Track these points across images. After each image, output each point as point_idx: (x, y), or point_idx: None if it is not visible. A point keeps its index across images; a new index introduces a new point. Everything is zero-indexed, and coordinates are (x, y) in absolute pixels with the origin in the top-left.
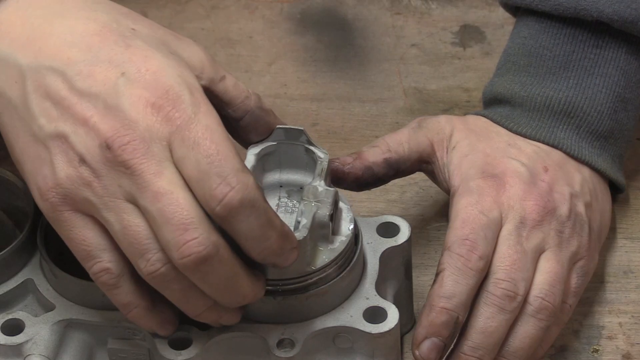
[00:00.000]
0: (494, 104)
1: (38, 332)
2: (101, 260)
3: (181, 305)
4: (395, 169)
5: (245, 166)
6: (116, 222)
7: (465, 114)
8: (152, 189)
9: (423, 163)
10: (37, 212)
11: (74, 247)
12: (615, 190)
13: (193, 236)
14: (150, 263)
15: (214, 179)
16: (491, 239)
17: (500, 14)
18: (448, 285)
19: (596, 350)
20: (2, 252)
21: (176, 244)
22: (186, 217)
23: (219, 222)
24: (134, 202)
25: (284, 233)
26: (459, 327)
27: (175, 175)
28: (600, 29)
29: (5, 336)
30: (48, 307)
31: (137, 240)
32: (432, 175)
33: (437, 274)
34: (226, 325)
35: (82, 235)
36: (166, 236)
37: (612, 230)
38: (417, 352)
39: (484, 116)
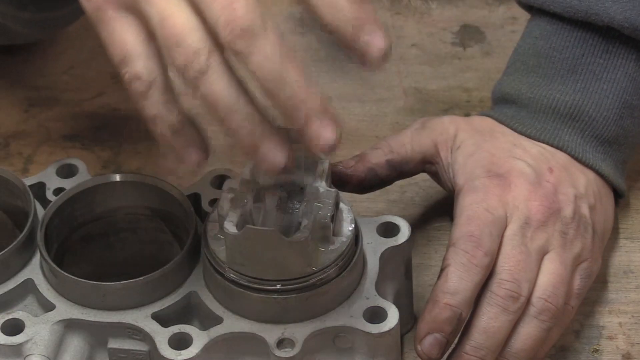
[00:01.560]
0: (501, 103)
1: (38, 332)
2: (135, 66)
3: (219, 105)
4: (398, 171)
5: None
6: (156, 13)
7: (465, 114)
8: None
9: (426, 164)
10: (37, 212)
11: (113, 50)
12: (616, 195)
13: (240, 11)
14: (188, 48)
15: None
16: (496, 236)
17: (501, 14)
18: (452, 281)
19: (596, 350)
20: (2, 252)
21: (222, 20)
22: None
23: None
24: None
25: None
26: (462, 324)
27: None
28: (611, 35)
29: (5, 336)
30: (48, 307)
31: (175, 28)
32: (436, 175)
33: (441, 270)
34: (269, 162)
35: (121, 38)
36: (212, 14)
37: (613, 230)
38: (419, 348)
39: (490, 116)
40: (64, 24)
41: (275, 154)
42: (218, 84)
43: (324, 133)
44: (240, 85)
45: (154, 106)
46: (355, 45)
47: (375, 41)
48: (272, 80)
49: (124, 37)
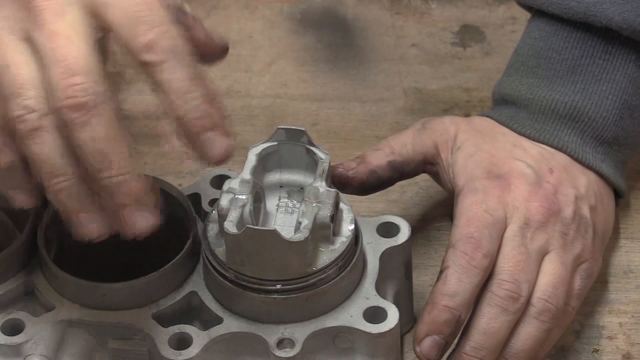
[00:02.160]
0: (501, 104)
1: (38, 332)
2: None
3: (43, 166)
4: (399, 172)
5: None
6: (1, 59)
7: (465, 114)
8: (50, 28)
9: (427, 164)
10: (37, 212)
11: None
12: (616, 196)
13: (79, 81)
14: (24, 103)
15: (141, 26)
16: (496, 238)
17: (501, 14)
18: (451, 283)
19: (596, 350)
20: (2, 252)
21: (60, 85)
22: (76, 63)
23: (144, 70)
24: (29, 40)
25: (212, 94)
26: (461, 325)
27: (81, 24)
28: (610, 36)
29: (5, 336)
30: (48, 307)
31: (17, 79)
32: (437, 176)
33: (441, 272)
34: (82, 231)
35: None
36: (53, 77)
37: (613, 230)
38: (418, 349)
39: (490, 117)
40: None
41: (88, 225)
42: (46, 146)
43: (137, 221)
44: (69, 150)
45: None
46: (196, 141)
47: (217, 142)
48: (96, 158)
49: None
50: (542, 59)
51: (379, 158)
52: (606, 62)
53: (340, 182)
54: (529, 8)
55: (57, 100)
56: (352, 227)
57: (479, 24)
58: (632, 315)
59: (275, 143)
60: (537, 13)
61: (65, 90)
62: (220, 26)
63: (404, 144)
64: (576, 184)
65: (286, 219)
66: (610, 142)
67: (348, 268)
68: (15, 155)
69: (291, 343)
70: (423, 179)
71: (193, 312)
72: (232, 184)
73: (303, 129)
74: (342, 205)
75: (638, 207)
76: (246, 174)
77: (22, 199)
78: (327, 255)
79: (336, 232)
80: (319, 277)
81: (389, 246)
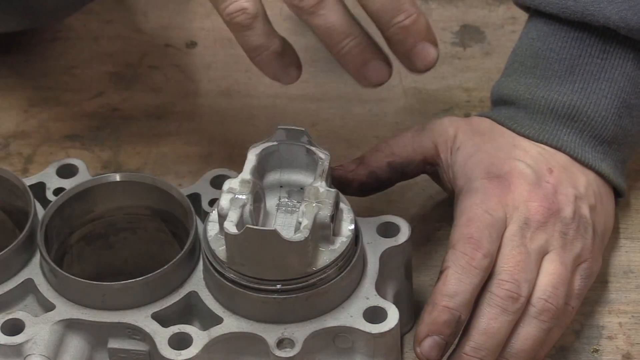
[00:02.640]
0: (499, 104)
1: (38, 332)
2: (241, 0)
3: (333, 32)
4: (399, 172)
5: None
6: None
7: (465, 114)
8: None
9: (427, 165)
10: (37, 212)
11: None
12: (616, 195)
13: None
14: None
15: None
16: (495, 238)
17: (501, 14)
18: (451, 284)
19: (596, 350)
20: (2, 252)
21: None
22: None
23: None
24: None
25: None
26: (461, 326)
27: None
28: (607, 35)
29: (5, 336)
30: (48, 307)
31: None
32: (437, 177)
33: (441, 272)
34: (377, 76)
35: None
36: None
37: (613, 230)
38: (418, 350)
39: (489, 117)
40: (55, 12)
41: (382, 68)
42: (331, 14)
43: (430, 52)
44: (350, 12)
45: (259, 36)
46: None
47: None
48: (386, 8)
49: None
50: (540, 59)
51: (378, 159)
52: (604, 61)
53: (340, 184)
54: (526, 8)
55: None
56: (352, 227)
57: (479, 24)
58: (632, 315)
59: (275, 143)
60: (535, 13)
61: None
62: (221, 26)
63: (404, 145)
64: (576, 183)
65: (286, 219)
66: (610, 141)
67: (348, 268)
68: (281, 38)
69: (291, 343)
70: (423, 179)
71: (193, 312)
72: (232, 184)
73: (303, 129)
74: (342, 205)
75: (638, 207)
76: (246, 174)
77: (295, 74)
78: (327, 255)
79: (336, 232)
80: (319, 277)
81: (389, 246)
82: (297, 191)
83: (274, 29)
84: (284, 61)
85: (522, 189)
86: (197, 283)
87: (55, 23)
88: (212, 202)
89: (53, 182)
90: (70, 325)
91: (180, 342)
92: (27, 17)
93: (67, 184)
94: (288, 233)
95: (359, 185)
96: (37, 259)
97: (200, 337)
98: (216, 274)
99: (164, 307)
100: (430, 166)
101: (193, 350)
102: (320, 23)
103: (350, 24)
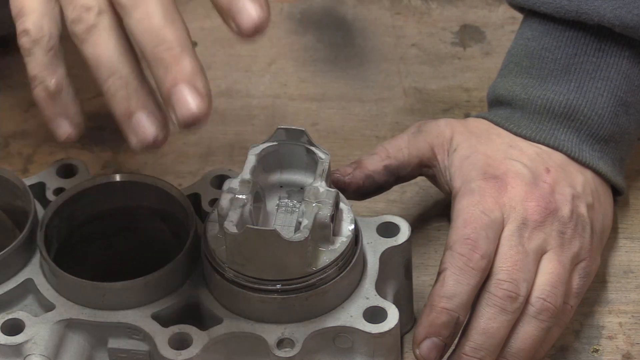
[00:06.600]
0: (496, 105)
1: (38, 332)
2: (26, 22)
3: (101, 65)
4: (395, 175)
5: None
6: None
7: (465, 114)
8: None
9: (424, 167)
10: (37, 212)
11: (11, 3)
12: (615, 194)
13: None
14: (80, 2)
15: None
16: (493, 238)
17: (501, 14)
18: (449, 285)
19: (596, 350)
20: (2, 252)
21: None
22: None
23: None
24: None
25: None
26: (460, 327)
27: None
28: (602, 33)
29: (5, 336)
30: (48, 307)
31: None
32: (434, 179)
33: (438, 274)
34: (139, 134)
35: None
36: None
37: (613, 230)
38: (417, 351)
39: (485, 118)
40: None
41: (145, 126)
42: (102, 44)
43: (188, 101)
44: (126, 49)
45: (36, 65)
46: (228, 11)
47: (248, 10)
48: (149, 38)
49: None
50: (535, 58)
51: (374, 163)
52: (600, 59)
53: (337, 188)
54: (521, 9)
55: None
56: (352, 227)
57: (479, 24)
58: (632, 315)
59: (275, 143)
60: (530, 13)
61: None
62: (221, 26)
63: (400, 148)
64: (573, 182)
65: (286, 219)
66: (607, 140)
67: (348, 268)
68: (62, 78)
69: (291, 343)
70: (423, 179)
71: (193, 312)
72: (232, 184)
73: (303, 129)
74: (342, 205)
75: (638, 207)
76: (246, 174)
77: (65, 130)
78: (327, 255)
79: (336, 232)
80: (319, 277)
81: (389, 246)
82: (297, 191)
83: (58, 64)
84: (55, 107)
85: (519, 189)
86: (197, 283)
87: None
88: (212, 202)
89: (53, 182)
90: (70, 325)
91: (180, 342)
92: None
93: (67, 184)
94: (288, 233)
95: (355, 189)
96: (37, 259)
97: (200, 337)
98: (216, 274)
99: (164, 307)
100: (427, 168)
101: (193, 350)
102: (88, 52)
103: (119, 60)
